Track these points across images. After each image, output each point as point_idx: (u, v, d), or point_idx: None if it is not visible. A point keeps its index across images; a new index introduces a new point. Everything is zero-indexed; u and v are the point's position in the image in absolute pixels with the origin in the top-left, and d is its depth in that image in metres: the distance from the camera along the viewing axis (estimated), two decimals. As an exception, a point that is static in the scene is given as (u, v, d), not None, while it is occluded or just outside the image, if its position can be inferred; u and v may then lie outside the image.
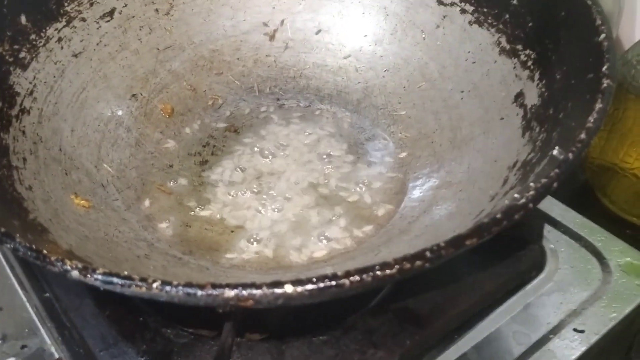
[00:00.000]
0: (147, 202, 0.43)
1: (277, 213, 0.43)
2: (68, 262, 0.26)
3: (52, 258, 0.26)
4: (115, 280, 0.25)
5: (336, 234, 0.41)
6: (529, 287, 0.42)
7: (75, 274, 0.26)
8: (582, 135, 0.30)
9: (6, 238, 0.27)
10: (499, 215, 0.27)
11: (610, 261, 0.44)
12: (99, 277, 0.26)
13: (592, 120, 0.31)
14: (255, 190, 0.44)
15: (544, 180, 0.28)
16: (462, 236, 0.26)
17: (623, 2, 0.58)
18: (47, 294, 0.42)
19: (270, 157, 0.47)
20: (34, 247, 0.27)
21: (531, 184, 0.30)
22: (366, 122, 0.49)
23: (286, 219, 0.42)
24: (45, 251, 0.26)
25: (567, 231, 0.47)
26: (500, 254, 0.42)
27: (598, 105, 0.32)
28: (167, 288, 0.25)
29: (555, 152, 0.32)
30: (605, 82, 0.33)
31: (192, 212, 0.43)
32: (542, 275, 0.43)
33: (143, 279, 0.25)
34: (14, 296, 0.42)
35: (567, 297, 0.42)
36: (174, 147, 0.47)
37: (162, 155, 0.46)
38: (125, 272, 0.26)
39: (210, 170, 0.46)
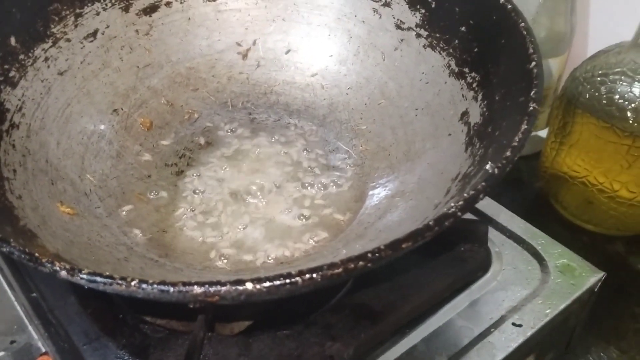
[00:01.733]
0: (126, 210, 0.46)
1: (246, 219, 0.47)
2: (57, 264, 0.30)
3: (43, 260, 0.30)
4: (98, 279, 0.29)
5: (300, 238, 0.45)
6: (475, 285, 0.47)
7: (63, 274, 0.30)
8: (508, 153, 0.35)
9: (2, 243, 0.31)
10: (431, 222, 0.31)
11: (549, 262, 0.49)
12: (85, 276, 0.29)
13: (517, 140, 0.35)
14: (227, 198, 0.48)
15: (472, 192, 0.33)
16: (399, 240, 0.31)
17: (575, 22, 0.63)
18: (34, 294, 0.45)
19: (240, 167, 0.51)
20: (27, 250, 0.30)
21: (465, 195, 0.35)
22: (331, 135, 0.53)
23: (254, 225, 0.46)
24: (37, 254, 0.30)
25: (511, 235, 0.51)
26: (450, 255, 0.47)
27: (524, 127, 0.36)
28: (144, 286, 0.29)
29: (487, 166, 0.37)
30: (532, 106, 0.37)
31: (168, 219, 0.47)
32: (487, 275, 0.48)
33: (123, 278, 0.29)
34: (2, 295, 0.45)
35: (508, 294, 0.46)
36: (152, 158, 0.51)
37: (141, 166, 0.50)
38: (107, 273, 0.30)
39: (185, 180, 0.50)
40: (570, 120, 0.57)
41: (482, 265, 0.48)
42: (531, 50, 0.41)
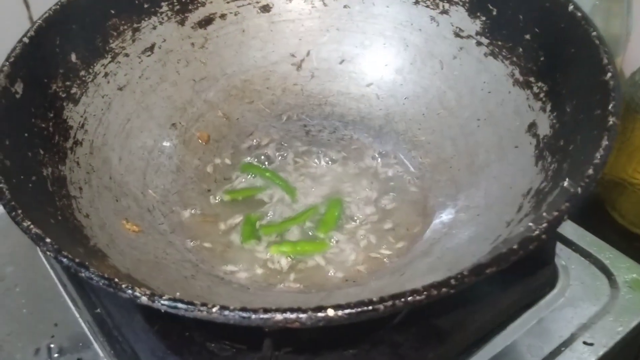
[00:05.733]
0: (189, 225, 0.46)
1: (309, 235, 0.46)
2: (137, 290, 0.30)
3: (124, 286, 0.30)
4: (179, 305, 0.29)
5: (362, 255, 0.45)
6: (542, 302, 0.46)
7: (144, 299, 0.30)
8: (590, 171, 0.34)
9: (81, 268, 0.31)
10: (515, 246, 0.31)
11: (618, 277, 0.47)
12: (166, 302, 0.29)
13: (599, 157, 0.34)
14: (287, 213, 0.48)
15: (555, 214, 0.32)
16: (482, 265, 0.30)
17: (631, 26, 0.61)
18: (99, 310, 0.45)
19: (298, 181, 0.50)
20: (106, 276, 0.30)
21: (544, 214, 0.34)
22: (388, 147, 0.53)
23: (316, 240, 0.46)
24: (117, 279, 0.30)
25: (577, 249, 0.50)
26: (516, 272, 0.45)
27: (604, 143, 0.35)
28: (225, 312, 0.29)
29: (566, 183, 0.35)
30: (611, 120, 0.36)
31: (231, 235, 0.46)
32: (554, 291, 0.47)
33: (204, 304, 0.29)
34: (67, 312, 0.46)
35: (577, 312, 0.45)
36: (211, 172, 0.51)
37: (201, 180, 0.50)
38: (178, 294, 0.30)
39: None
40: (630, 126, 0.55)
41: (549, 280, 0.47)
42: (606, 61, 0.40)
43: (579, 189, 0.33)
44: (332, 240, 0.46)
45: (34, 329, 0.45)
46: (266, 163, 0.52)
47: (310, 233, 0.46)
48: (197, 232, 0.46)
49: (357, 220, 0.47)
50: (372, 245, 0.45)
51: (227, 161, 0.52)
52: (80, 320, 0.45)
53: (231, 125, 0.54)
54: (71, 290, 0.47)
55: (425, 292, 0.29)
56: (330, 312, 0.29)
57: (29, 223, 0.33)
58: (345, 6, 0.55)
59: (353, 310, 0.29)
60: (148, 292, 0.30)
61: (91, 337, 0.44)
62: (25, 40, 0.44)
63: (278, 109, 0.55)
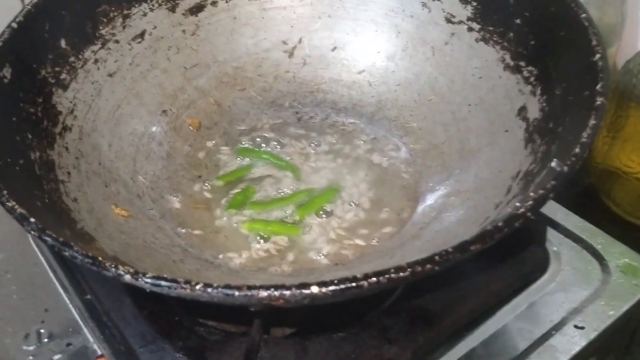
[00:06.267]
0: (179, 211, 0.46)
1: (297, 218, 0.46)
2: (121, 268, 0.30)
3: (107, 264, 0.30)
4: (162, 283, 0.29)
5: (352, 239, 0.45)
6: (533, 287, 0.45)
7: (127, 278, 0.29)
8: (577, 150, 0.33)
9: (64, 246, 0.31)
10: (500, 224, 0.30)
11: (610, 262, 0.47)
12: (149, 280, 0.29)
13: (585, 136, 0.34)
14: (278, 196, 0.48)
15: (541, 191, 0.32)
16: (467, 242, 0.30)
17: (625, 13, 0.61)
18: (89, 296, 0.45)
19: (290, 166, 0.50)
20: (89, 254, 0.30)
21: (531, 194, 0.33)
22: (380, 133, 0.52)
23: (307, 225, 0.46)
24: (99, 258, 0.30)
25: (569, 234, 0.49)
26: (507, 256, 0.45)
27: (592, 122, 0.35)
28: (209, 289, 0.29)
29: (553, 163, 0.35)
30: (599, 100, 0.36)
31: (221, 219, 0.46)
32: (545, 276, 0.46)
33: (187, 282, 0.29)
34: (57, 298, 0.46)
35: (568, 296, 0.45)
36: (202, 158, 0.51)
37: (192, 167, 0.50)
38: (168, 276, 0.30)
39: (235, 180, 0.49)
40: (624, 114, 0.55)
41: (540, 265, 0.46)
42: (595, 42, 0.40)
43: (565, 167, 0.33)
44: (314, 224, 0.46)
45: (24, 315, 0.45)
46: (259, 149, 0.52)
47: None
48: (187, 218, 0.46)
49: (348, 205, 0.47)
50: (361, 230, 0.45)
51: (219, 148, 0.52)
52: (70, 305, 0.45)
53: (222, 112, 0.54)
54: (61, 276, 0.47)
55: (409, 269, 0.29)
56: (315, 289, 0.29)
57: (14, 203, 0.33)
58: (337, -7, 0.55)
59: (337, 288, 0.29)
60: (131, 270, 0.30)
61: (81, 323, 0.44)
62: (14, 25, 0.44)
63: (270, 96, 0.55)
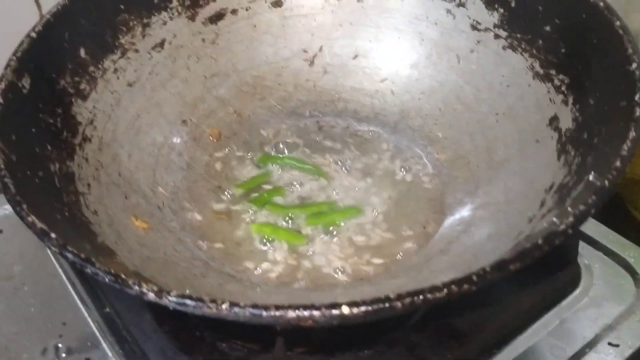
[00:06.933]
0: (199, 222, 0.45)
1: (320, 231, 0.45)
2: (144, 286, 0.29)
3: (130, 282, 0.29)
4: (188, 302, 0.28)
5: (377, 253, 0.43)
6: (564, 302, 0.44)
7: (151, 296, 0.28)
8: (617, 163, 0.32)
9: (86, 264, 0.30)
10: (540, 241, 0.29)
11: (644, 276, 0.46)
12: (174, 299, 0.28)
13: (626, 149, 0.33)
14: (300, 208, 0.47)
15: (582, 207, 0.30)
16: (506, 261, 0.28)
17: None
18: (108, 309, 0.44)
19: (312, 176, 0.49)
20: (112, 272, 0.29)
21: (569, 209, 0.32)
22: (403, 143, 0.51)
23: (329, 237, 0.45)
24: (123, 275, 0.29)
25: (600, 247, 0.48)
26: (537, 271, 0.43)
27: (632, 134, 0.33)
28: (235, 309, 0.28)
29: (591, 177, 0.34)
30: (638, 111, 0.34)
31: (242, 231, 0.45)
32: (577, 291, 0.45)
33: (213, 301, 0.28)
34: (76, 311, 0.45)
35: (602, 312, 0.44)
36: (221, 169, 0.50)
37: (211, 177, 0.49)
38: (187, 292, 0.29)
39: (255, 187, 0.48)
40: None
41: (572, 280, 0.45)
42: (630, 51, 0.38)
43: (606, 182, 0.31)
44: (338, 236, 0.45)
45: (42, 328, 0.44)
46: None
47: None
48: (208, 229, 0.45)
49: (371, 217, 0.46)
50: (385, 243, 0.44)
51: (238, 157, 0.51)
52: (89, 319, 0.44)
53: (242, 122, 0.53)
54: (80, 289, 0.46)
55: (445, 289, 0.28)
56: (345, 310, 0.27)
57: (34, 218, 0.32)
58: (358, 0, 0.54)
59: (369, 308, 0.28)
60: (155, 288, 0.28)
61: (100, 337, 0.43)
62: (33, 34, 0.43)
63: (290, 105, 0.54)
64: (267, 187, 0.48)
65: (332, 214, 0.46)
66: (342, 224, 0.45)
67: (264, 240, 0.45)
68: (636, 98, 0.35)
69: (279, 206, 0.47)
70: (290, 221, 0.46)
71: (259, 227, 0.45)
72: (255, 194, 0.48)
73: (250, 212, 0.47)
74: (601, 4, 0.41)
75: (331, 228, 0.45)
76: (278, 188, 0.48)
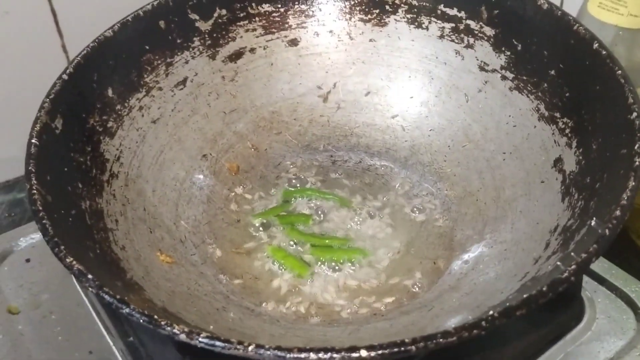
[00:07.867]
0: (219, 256, 0.47)
1: (332, 266, 0.47)
2: (176, 327, 0.31)
3: (163, 323, 0.31)
4: (217, 343, 0.30)
5: (389, 289, 0.45)
6: (568, 336, 0.46)
7: (183, 337, 0.31)
8: (618, 212, 0.34)
9: (123, 305, 0.32)
10: (544, 289, 0.31)
11: (644, 311, 0.47)
12: (204, 340, 0.30)
13: (625, 198, 0.35)
14: (314, 245, 0.49)
15: (584, 256, 0.32)
16: (513, 307, 0.31)
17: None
18: (131, 338, 0.46)
19: (324, 212, 0.51)
20: (146, 313, 0.31)
21: (572, 254, 0.34)
22: (414, 178, 0.53)
23: (343, 272, 0.47)
24: (156, 317, 0.31)
25: (603, 282, 0.50)
26: (542, 306, 0.46)
27: (631, 183, 0.35)
28: (261, 351, 0.30)
29: (594, 223, 0.36)
30: (638, 161, 0.36)
31: (260, 265, 0.47)
32: (580, 325, 0.46)
33: (240, 342, 0.30)
34: (101, 340, 0.47)
35: (604, 346, 0.45)
36: (240, 202, 0.52)
37: (231, 211, 0.51)
38: (212, 327, 0.31)
39: (272, 228, 0.50)
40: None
41: (576, 314, 0.47)
42: (631, 100, 0.40)
43: (607, 231, 0.33)
44: (350, 271, 0.47)
45: (69, 357, 0.46)
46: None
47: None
48: (227, 263, 0.47)
49: (383, 252, 0.48)
50: (398, 278, 0.46)
51: (256, 191, 0.53)
52: (114, 348, 0.46)
53: (259, 156, 0.55)
54: (105, 318, 0.48)
55: (456, 335, 0.30)
56: (364, 353, 0.30)
57: (72, 259, 0.34)
58: (371, 40, 0.56)
59: (386, 351, 0.30)
60: (186, 329, 0.31)
61: (124, 366, 0.45)
62: (65, 76, 0.46)
63: (305, 139, 0.56)
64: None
65: (338, 252, 0.48)
66: (352, 259, 0.47)
67: (279, 268, 0.47)
68: (636, 147, 0.37)
69: (298, 232, 0.49)
70: (301, 249, 0.48)
71: (274, 250, 0.48)
72: (284, 212, 0.51)
73: (268, 238, 0.49)
74: (604, 52, 0.44)
75: (342, 261, 0.47)
76: (305, 215, 0.50)
